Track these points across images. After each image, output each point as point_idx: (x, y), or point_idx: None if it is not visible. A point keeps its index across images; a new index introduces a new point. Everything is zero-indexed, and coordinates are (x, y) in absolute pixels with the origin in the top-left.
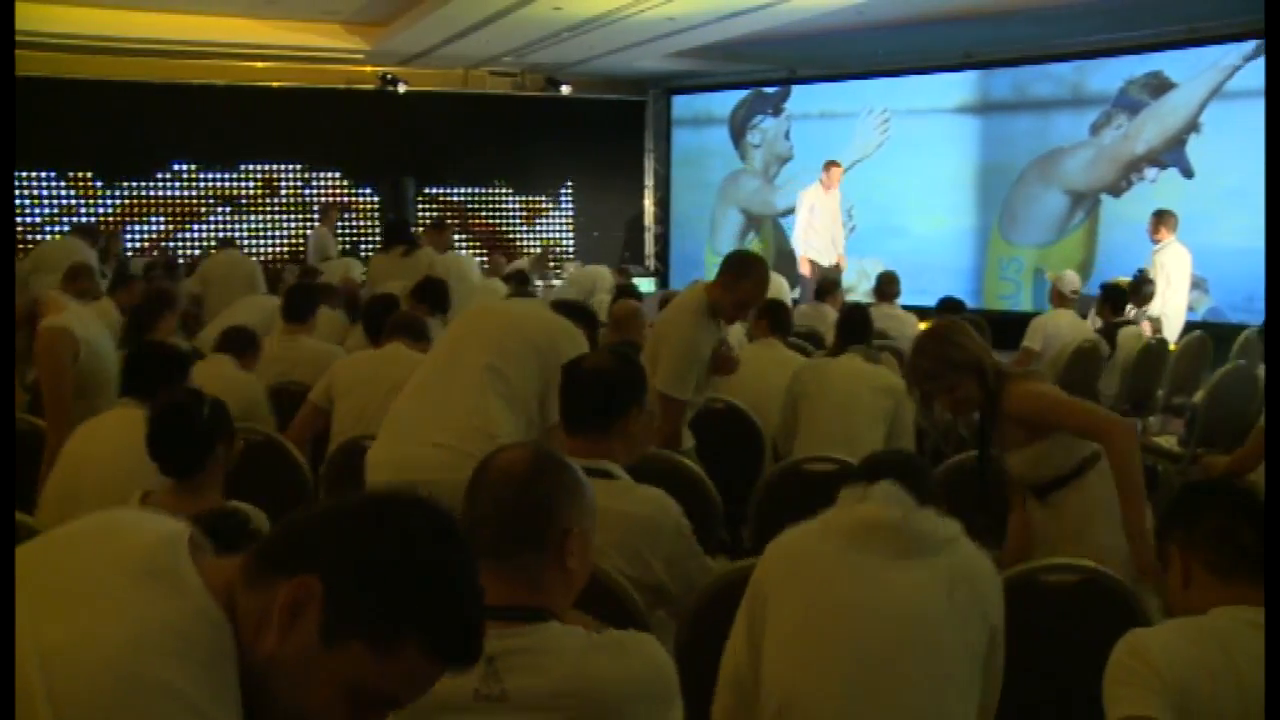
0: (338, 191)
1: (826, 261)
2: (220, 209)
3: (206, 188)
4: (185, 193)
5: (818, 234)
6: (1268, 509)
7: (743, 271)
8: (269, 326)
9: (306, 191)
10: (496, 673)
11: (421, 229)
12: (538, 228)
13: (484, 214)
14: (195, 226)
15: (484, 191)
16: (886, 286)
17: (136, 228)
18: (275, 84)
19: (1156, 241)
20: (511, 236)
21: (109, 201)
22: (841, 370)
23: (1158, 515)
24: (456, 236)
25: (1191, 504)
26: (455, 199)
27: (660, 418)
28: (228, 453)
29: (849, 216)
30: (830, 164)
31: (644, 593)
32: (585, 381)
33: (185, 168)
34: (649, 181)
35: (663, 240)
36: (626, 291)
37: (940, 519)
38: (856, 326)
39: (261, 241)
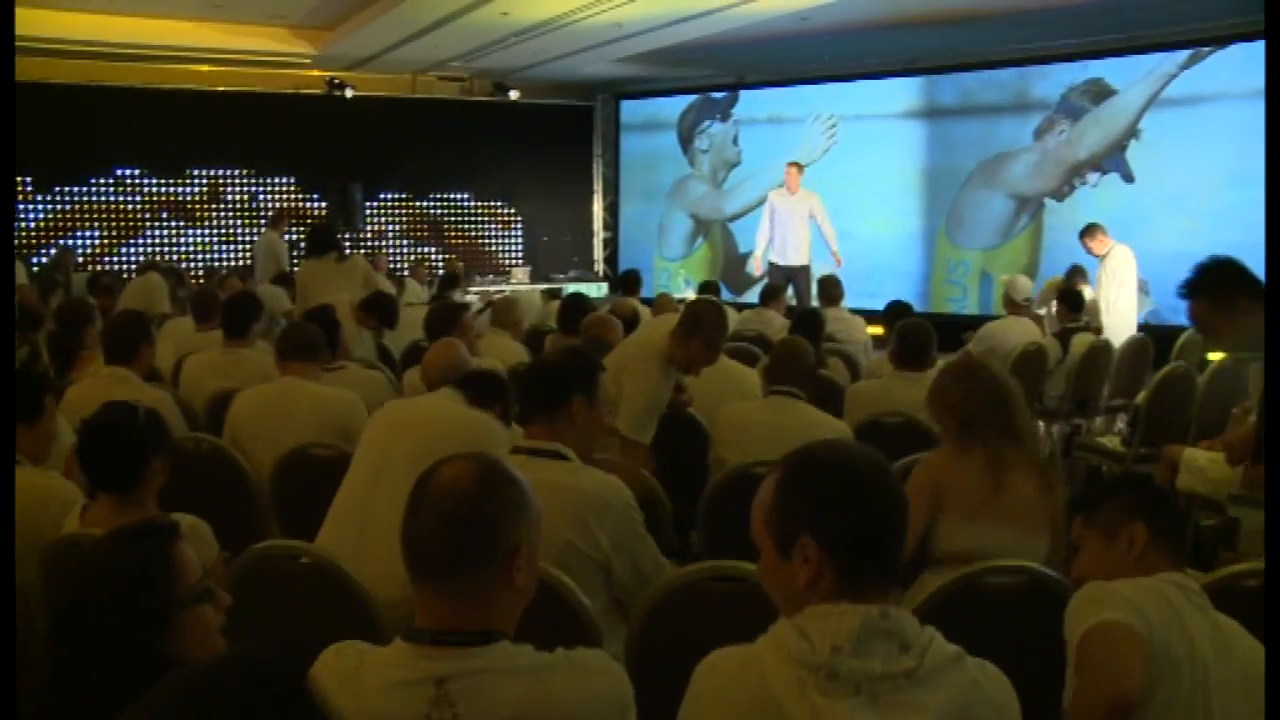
0: (290, 197)
1: (794, 262)
2: (168, 219)
3: (151, 194)
4: (128, 198)
5: (780, 236)
6: (1268, 501)
7: (694, 328)
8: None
9: (260, 197)
10: (448, 696)
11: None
12: (486, 233)
13: (432, 219)
14: (137, 239)
15: (432, 197)
16: (831, 289)
17: (80, 234)
18: (222, 88)
19: (1097, 255)
20: (460, 242)
21: (42, 208)
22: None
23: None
24: (405, 242)
25: (1153, 497)
26: (403, 204)
27: (623, 453)
28: (164, 465)
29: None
30: (789, 165)
31: (592, 573)
32: (534, 372)
33: (129, 173)
34: (598, 186)
35: (612, 245)
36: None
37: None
38: (807, 330)
39: (208, 251)
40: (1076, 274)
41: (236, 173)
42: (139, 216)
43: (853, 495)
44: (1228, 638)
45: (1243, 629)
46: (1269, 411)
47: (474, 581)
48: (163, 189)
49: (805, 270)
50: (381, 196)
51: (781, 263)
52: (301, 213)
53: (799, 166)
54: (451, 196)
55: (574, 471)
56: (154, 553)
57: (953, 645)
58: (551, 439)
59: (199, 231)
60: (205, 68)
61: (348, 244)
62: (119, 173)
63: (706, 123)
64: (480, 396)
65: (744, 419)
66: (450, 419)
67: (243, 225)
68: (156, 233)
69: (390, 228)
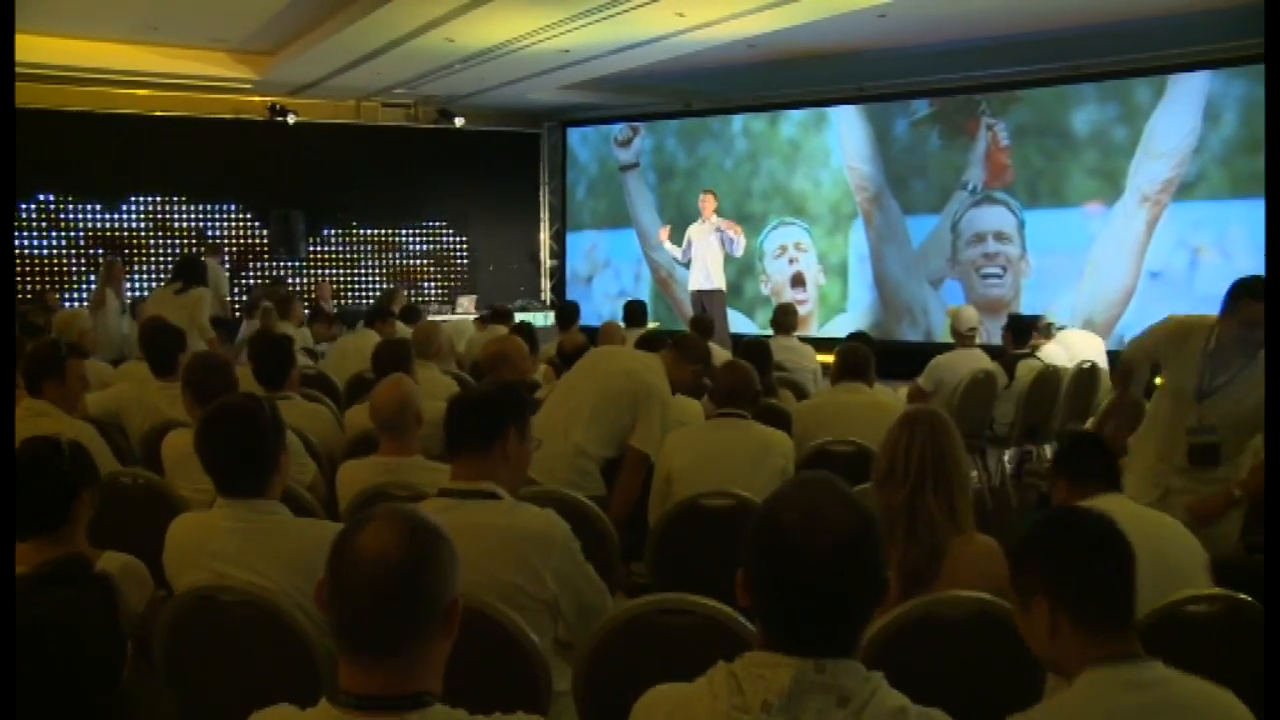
0: (230, 227)
1: (707, 286)
2: (103, 252)
3: (84, 226)
4: (55, 234)
5: (697, 262)
6: (1268, 519)
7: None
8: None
9: (197, 227)
10: None
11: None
12: (431, 262)
13: (376, 247)
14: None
15: (376, 225)
16: (784, 319)
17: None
18: (159, 113)
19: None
20: (404, 270)
21: None
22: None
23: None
24: (351, 271)
25: (1057, 546)
26: (346, 233)
27: (630, 474)
28: (93, 497)
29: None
30: (703, 193)
31: (539, 613)
32: (465, 405)
33: (50, 198)
34: (544, 214)
35: (559, 274)
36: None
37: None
38: (754, 361)
39: (150, 281)
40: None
41: (174, 200)
42: (65, 252)
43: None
44: None
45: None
46: (1269, 411)
47: (413, 649)
48: (95, 219)
49: (720, 294)
50: (325, 225)
51: (697, 288)
52: (245, 244)
53: (712, 194)
54: (396, 224)
55: (511, 511)
56: (71, 602)
57: (897, 696)
58: (480, 476)
59: (137, 263)
60: (142, 92)
61: (289, 273)
62: (40, 198)
63: (652, 150)
64: None
65: (692, 439)
66: None
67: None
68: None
69: (333, 256)
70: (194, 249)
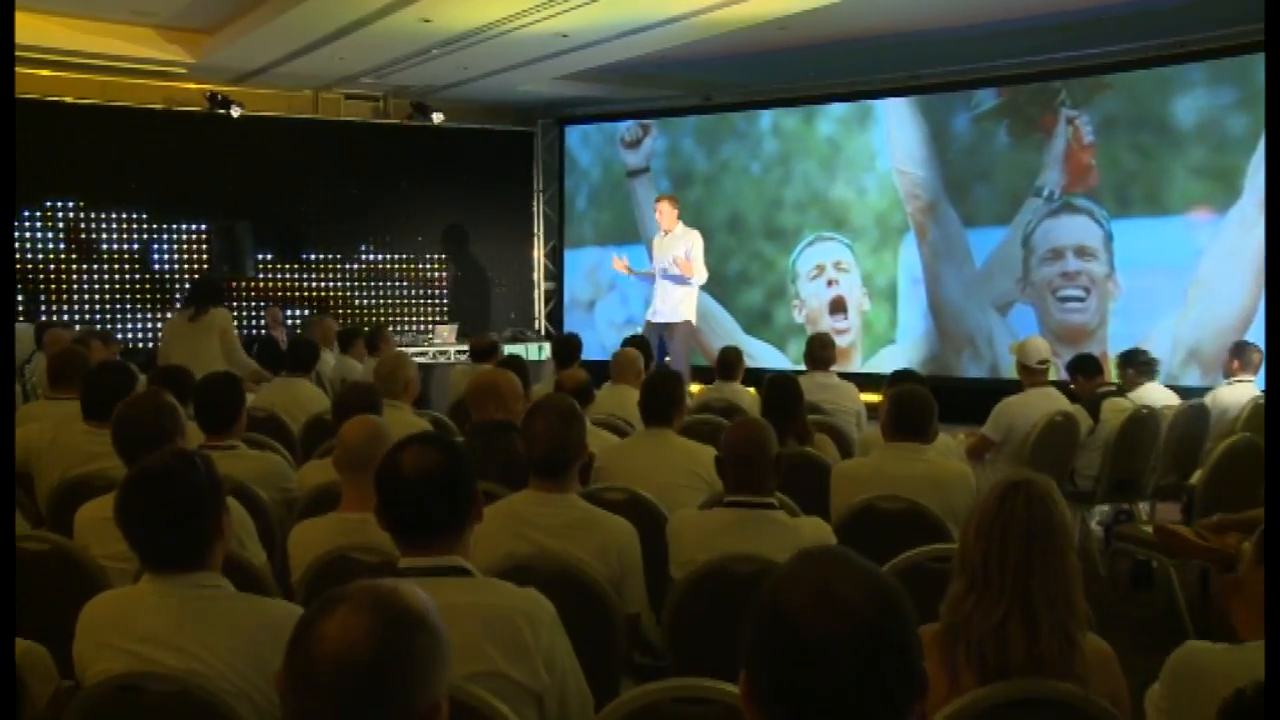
0: (170, 242)
1: (667, 318)
2: None
3: None
4: None
5: (657, 286)
6: (1268, 520)
7: None
8: None
9: (130, 243)
10: None
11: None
12: (404, 284)
13: (337, 268)
14: None
15: (338, 239)
16: (820, 351)
17: None
18: (70, 99)
19: None
20: (372, 294)
21: None
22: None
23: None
24: (308, 294)
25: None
26: (303, 248)
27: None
28: None
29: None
30: (660, 200)
31: (526, 704)
32: (418, 487)
33: None
34: (539, 228)
35: (556, 297)
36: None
37: None
38: (782, 401)
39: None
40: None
41: (87, 208)
42: None
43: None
44: None
45: None
46: (1269, 411)
47: None
48: None
49: (684, 327)
50: (276, 239)
51: (655, 319)
52: (180, 262)
53: (672, 200)
54: (360, 240)
55: (487, 588)
56: None
57: None
58: (445, 551)
59: (45, 284)
60: (45, 73)
61: (234, 296)
62: None
63: (666, 153)
64: None
65: (704, 538)
66: None
67: (98, 272)
68: None
69: (286, 277)
70: (124, 267)
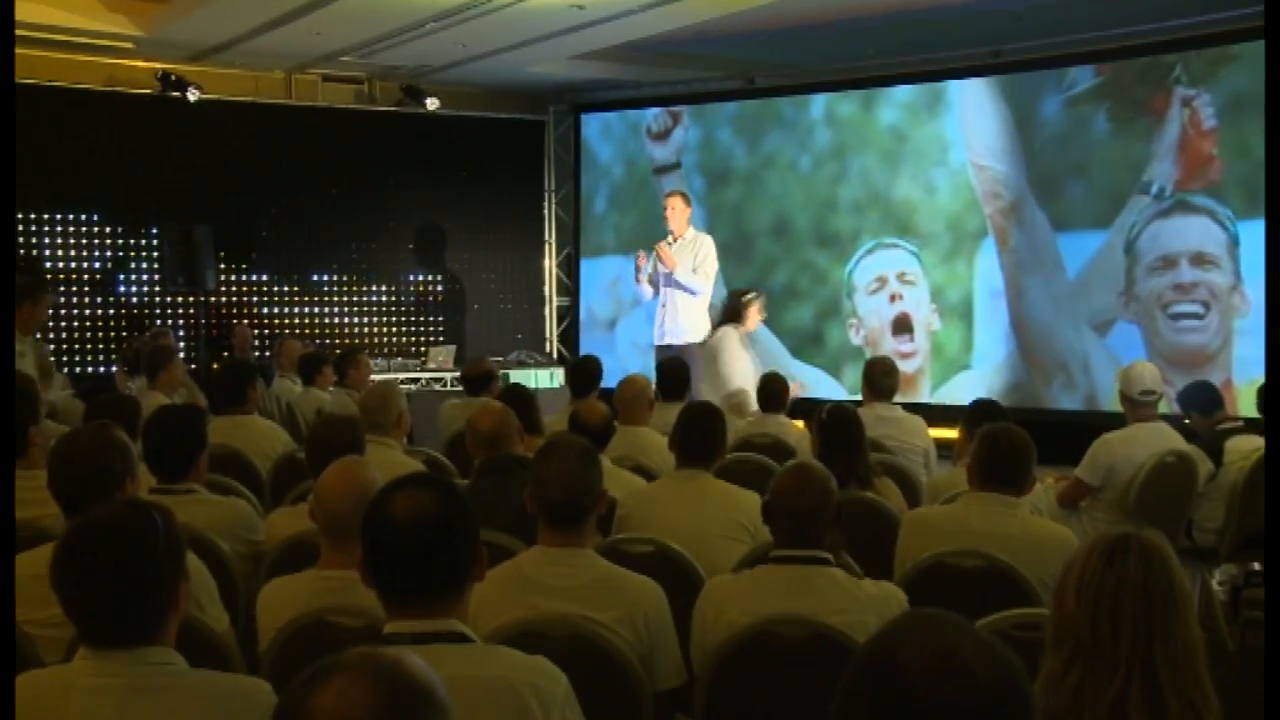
0: (118, 249)
1: (679, 339)
2: None
3: None
4: None
5: (668, 302)
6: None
7: None
8: None
9: (67, 250)
10: None
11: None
12: (393, 299)
13: (314, 279)
14: None
15: (314, 246)
16: (881, 379)
17: None
18: None
19: None
20: (354, 310)
21: None
22: None
23: None
24: (278, 310)
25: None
26: (273, 257)
27: None
28: None
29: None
30: (670, 196)
31: None
32: (412, 537)
33: None
34: (550, 235)
35: (571, 313)
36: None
37: None
38: (842, 438)
39: None
40: None
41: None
42: None
43: None
44: None
45: None
46: (1269, 411)
47: None
48: None
49: (698, 350)
50: (242, 246)
51: (669, 340)
52: (131, 271)
53: (684, 198)
54: (342, 246)
55: (492, 657)
56: None
57: None
58: (441, 614)
59: None
60: None
61: (194, 312)
62: None
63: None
64: None
65: (746, 600)
66: None
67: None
68: None
69: (254, 290)
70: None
